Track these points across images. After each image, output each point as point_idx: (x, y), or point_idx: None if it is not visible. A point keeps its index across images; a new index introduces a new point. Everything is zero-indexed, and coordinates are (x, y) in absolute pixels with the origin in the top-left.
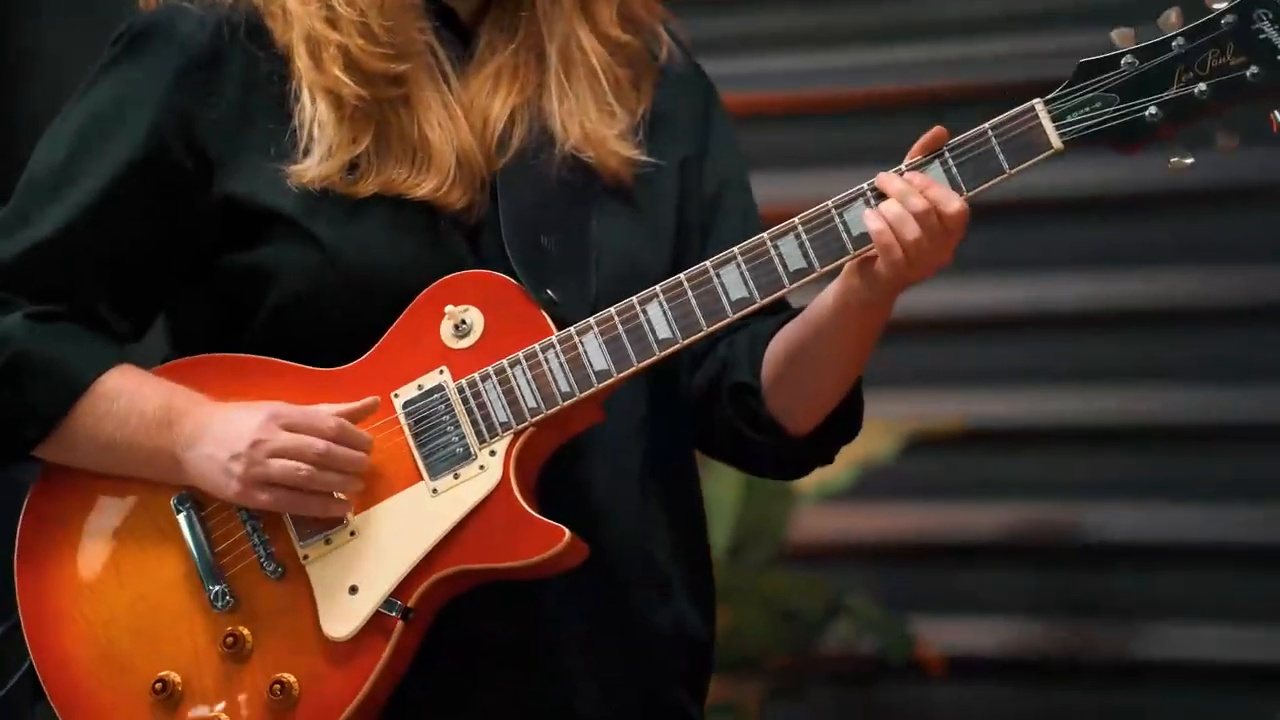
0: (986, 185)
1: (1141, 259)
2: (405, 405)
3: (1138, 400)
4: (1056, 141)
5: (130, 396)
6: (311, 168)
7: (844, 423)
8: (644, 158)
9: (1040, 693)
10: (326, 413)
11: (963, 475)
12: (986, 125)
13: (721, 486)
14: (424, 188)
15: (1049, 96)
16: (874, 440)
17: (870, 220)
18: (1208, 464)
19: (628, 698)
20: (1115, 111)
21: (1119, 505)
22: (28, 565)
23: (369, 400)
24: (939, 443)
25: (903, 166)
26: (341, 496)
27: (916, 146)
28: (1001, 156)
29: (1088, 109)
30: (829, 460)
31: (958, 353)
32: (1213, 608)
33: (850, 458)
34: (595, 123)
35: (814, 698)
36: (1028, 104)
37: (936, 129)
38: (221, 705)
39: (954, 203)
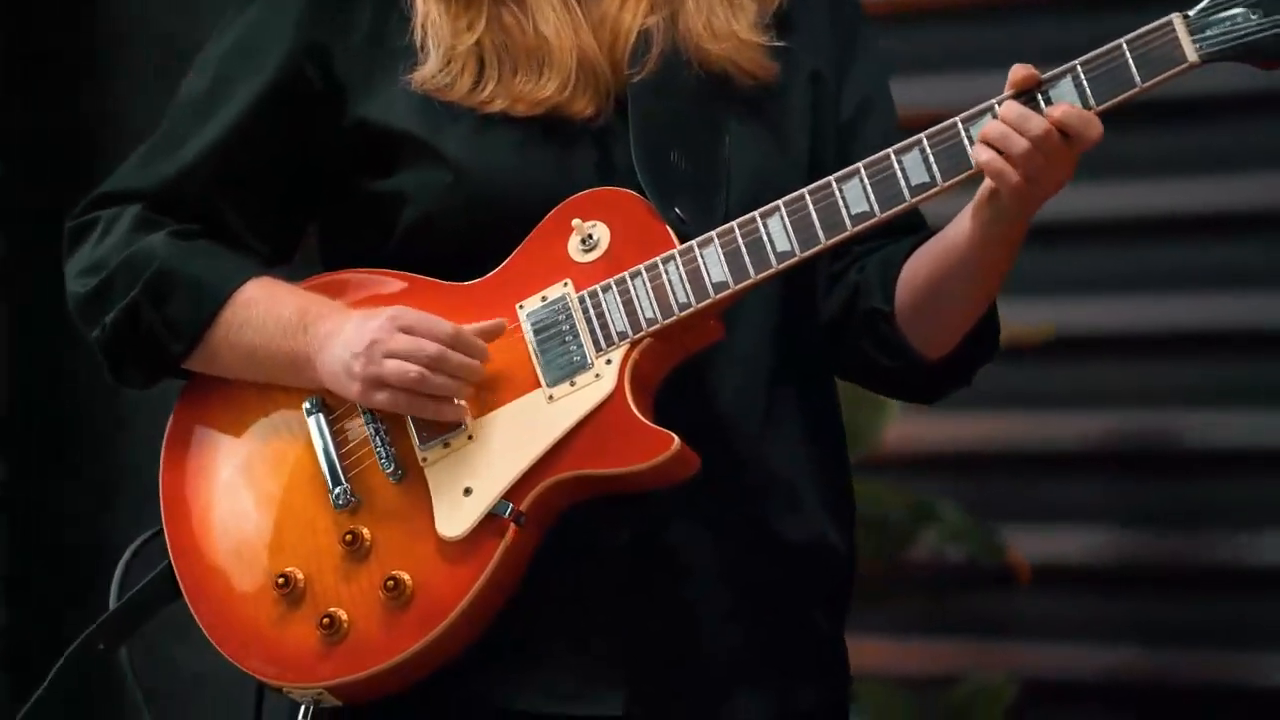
0: (1117, 100)
1: (1241, 162)
2: (529, 315)
3: (1229, 306)
4: (1192, 56)
5: (267, 303)
6: (428, 67)
7: (980, 346)
8: (776, 43)
9: (1131, 602)
10: (445, 320)
11: (1053, 383)
12: (1121, 40)
13: None
14: (546, 89)
15: (1188, 11)
16: None
17: (978, 152)
18: None
19: (758, 608)
20: (1257, 26)
21: (1210, 413)
22: (171, 470)
23: (496, 321)
24: (1029, 350)
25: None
26: (460, 402)
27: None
28: (1135, 71)
29: (1228, 23)
30: (967, 383)
31: (1047, 259)
32: None
33: None
34: (723, 19)
35: (900, 605)
36: (1165, 19)
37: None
38: (339, 600)
39: (1093, 126)
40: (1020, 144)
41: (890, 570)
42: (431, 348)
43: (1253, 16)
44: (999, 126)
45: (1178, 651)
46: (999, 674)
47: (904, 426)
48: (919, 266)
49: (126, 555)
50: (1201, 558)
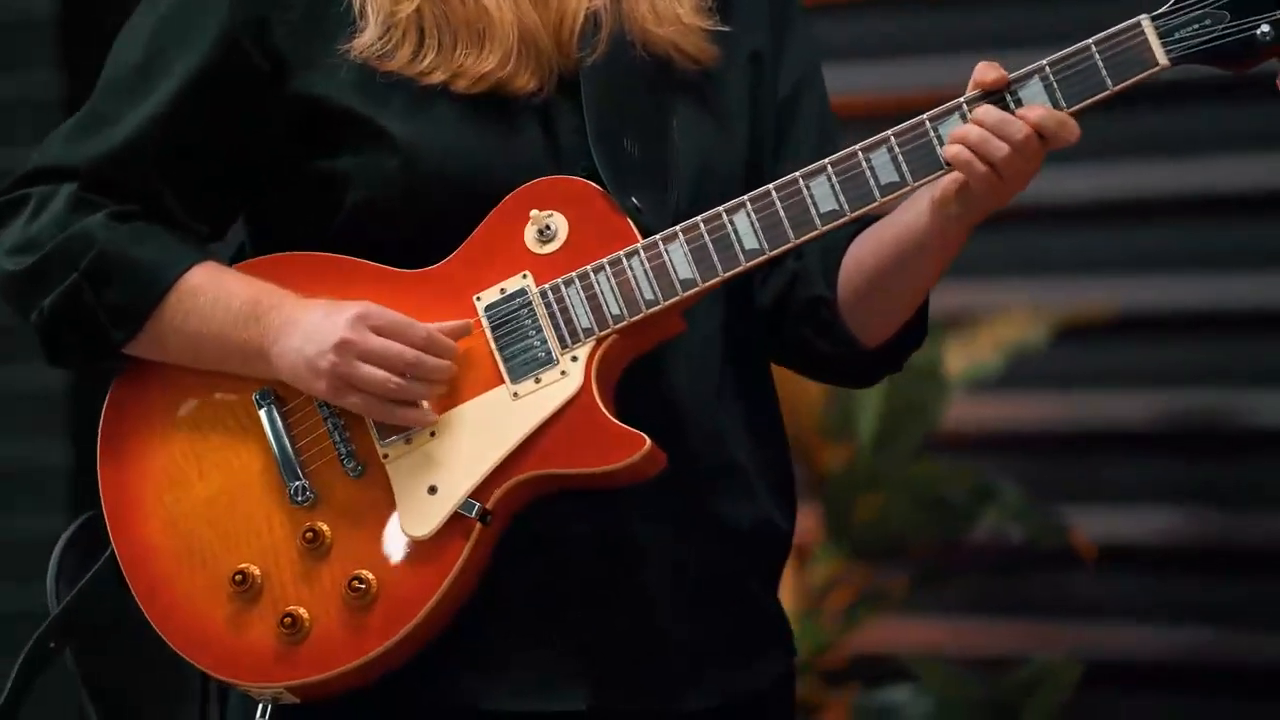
0: (1088, 102)
1: None
2: (487, 309)
3: None
4: (1162, 59)
5: (215, 291)
6: (366, 35)
7: (916, 332)
8: (719, 27)
9: (1195, 581)
10: (417, 322)
11: (1114, 362)
12: (1090, 41)
13: None
14: (487, 63)
15: (1157, 13)
16: (1025, 327)
17: (958, 154)
18: None
19: (718, 597)
20: (1225, 29)
21: (1275, 392)
22: (110, 456)
23: (462, 322)
24: (1090, 329)
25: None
26: (425, 405)
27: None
28: (1105, 73)
29: (1196, 25)
30: (898, 368)
31: (1109, 238)
32: None
33: (1001, 345)
34: (667, 2)
35: (962, 586)
36: (1134, 20)
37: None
38: (300, 599)
39: (1069, 128)
40: (1001, 149)
41: (951, 551)
42: (409, 354)
43: (1222, 19)
44: (978, 131)
45: (1242, 631)
46: (1062, 655)
47: (964, 407)
48: (864, 255)
49: (59, 546)
50: (1266, 537)
